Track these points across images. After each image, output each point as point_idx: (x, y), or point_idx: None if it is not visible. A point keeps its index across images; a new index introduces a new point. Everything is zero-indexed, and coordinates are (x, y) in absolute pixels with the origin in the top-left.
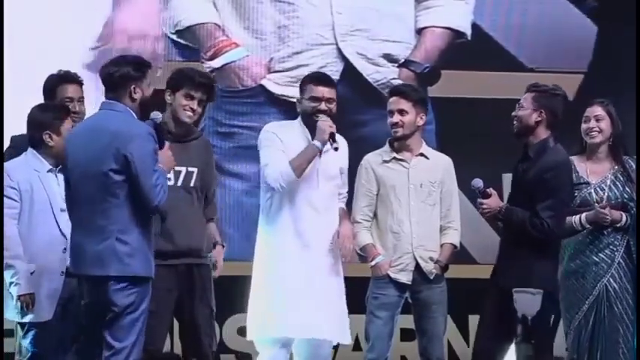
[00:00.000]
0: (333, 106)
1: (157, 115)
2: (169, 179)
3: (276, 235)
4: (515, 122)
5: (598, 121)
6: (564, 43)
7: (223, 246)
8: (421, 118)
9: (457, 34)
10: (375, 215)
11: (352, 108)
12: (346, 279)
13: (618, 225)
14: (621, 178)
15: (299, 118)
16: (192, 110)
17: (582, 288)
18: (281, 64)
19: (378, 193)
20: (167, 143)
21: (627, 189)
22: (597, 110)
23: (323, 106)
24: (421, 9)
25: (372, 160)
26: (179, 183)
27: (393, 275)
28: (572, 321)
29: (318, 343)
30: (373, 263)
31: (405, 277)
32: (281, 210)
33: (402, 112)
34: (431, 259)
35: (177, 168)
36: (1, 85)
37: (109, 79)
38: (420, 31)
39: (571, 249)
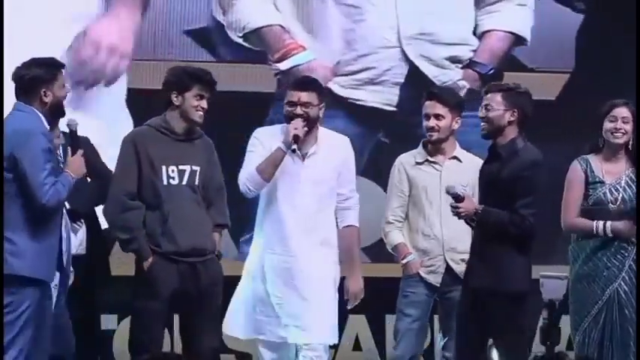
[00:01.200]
0: (310, 110)
1: (72, 121)
2: (172, 178)
3: (262, 237)
4: (484, 124)
5: (625, 123)
6: (564, 43)
7: (219, 258)
8: (456, 121)
9: (518, 38)
10: (407, 216)
11: (417, 109)
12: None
13: None
14: (635, 180)
15: (284, 124)
16: (203, 109)
17: (593, 292)
18: (347, 67)
19: (410, 194)
20: (80, 150)
21: None
22: (624, 112)
23: (298, 110)
24: (483, 13)
25: (404, 161)
26: (184, 182)
27: (423, 275)
28: (582, 324)
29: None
30: (404, 261)
31: (435, 279)
32: (266, 213)
33: (438, 116)
34: (462, 260)
35: (181, 167)
36: (1, 85)
37: (20, 82)
38: (482, 35)
39: (584, 253)
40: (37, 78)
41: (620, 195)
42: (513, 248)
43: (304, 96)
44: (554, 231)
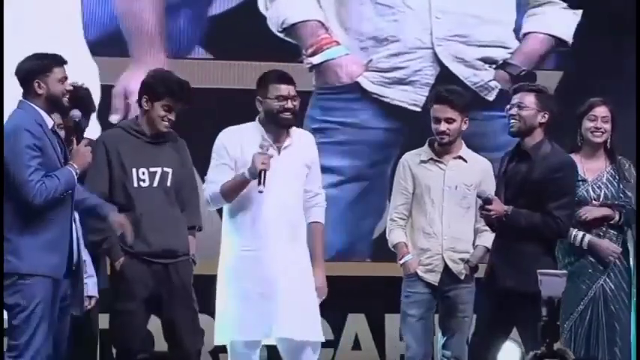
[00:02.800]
0: (297, 104)
1: (75, 112)
2: (143, 180)
3: (235, 235)
4: (515, 121)
5: (604, 122)
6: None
7: (194, 262)
8: (465, 122)
9: (559, 41)
10: (411, 214)
11: None
12: (345, 278)
13: (612, 222)
14: (616, 177)
15: (257, 119)
16: (170, 120)
17: (578, 289)
18: (378, 65)
19: (414, 192)
20: (84, 140)
21: (621, 187)
22: (604, 111)
23: (289, 104)
24: (526, 15)
25: (410, 159)
26: (155, 184)
27: (421, 274)
28: (568, 321)
29: (289, 341)
30: (402, 261)
31: (432, 278)
32: (240, 210)
33: (448, 120)
34: (461, 260)
35: (152, 169)
36: (1, 85)
37: (18, 75)
38: (522, 37)
39: (565, 251)
40: (31, 69)
41: (603, 192)
42: (538, 248)
43: (293, 90)
44: None
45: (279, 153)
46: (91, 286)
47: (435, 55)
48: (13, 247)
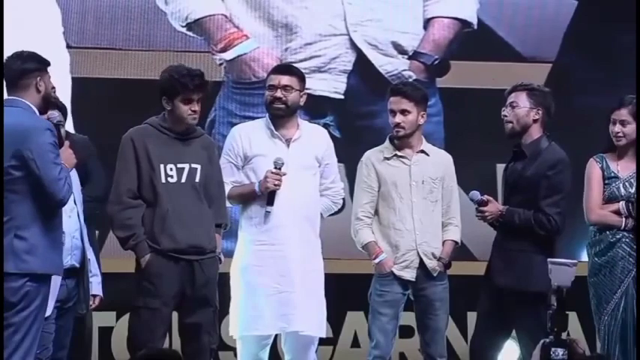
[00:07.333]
0: (290, 94)
1: (53, 114)
2: (171, 177)
3: (249, 229)
4: (509, 123)
5: (624, 126)
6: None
7: (221, 260)
8: (422, 116)
9: (464, 23)
10: (377, 212)
11: (365, 98)
12: (345, 276)
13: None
14: None
15: (261, 119)
16: (194, 112)
17: (611, 282)
18: (294, 56)
19: (379, 190)
20: (67, 142)
21: None
22: (623, 114)
23: (278, 93)
24: (428, 0)
25: (372, 156)
26: (183, 179)
27: (397, 272)
28: (602, 316)
29: (299, 336)
30: (377, 261)
31: (409, 274)
32: (253, 204)
33: (403, 112)
34: (434, 255)
35: (179, 165)
36: (1, 86)
37: (11, 74)
38: (427, 22)
39: (600, 245)
40: (31, 68)
41: (634, 189)
42: (535, 247)
43: (285, 79)
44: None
45: (288, 146)
46: (95, 284)
47: (351, 41)
48: (29, 246)
